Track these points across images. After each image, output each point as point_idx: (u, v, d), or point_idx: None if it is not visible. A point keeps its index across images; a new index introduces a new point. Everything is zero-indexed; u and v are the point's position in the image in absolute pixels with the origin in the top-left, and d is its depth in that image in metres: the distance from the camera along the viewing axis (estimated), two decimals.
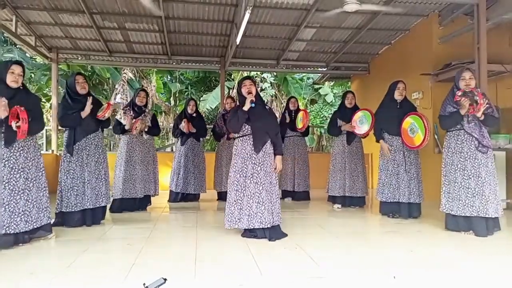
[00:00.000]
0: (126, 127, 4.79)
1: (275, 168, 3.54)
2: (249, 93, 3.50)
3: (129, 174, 4.86)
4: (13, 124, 3.00)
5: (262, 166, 3.45)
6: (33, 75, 12.19)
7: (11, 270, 2.61)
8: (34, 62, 12.07)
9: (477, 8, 5.01)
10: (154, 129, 5.13)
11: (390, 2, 5.71)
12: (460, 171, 3.64)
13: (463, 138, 3.65)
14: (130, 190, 4.86)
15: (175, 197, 5.89)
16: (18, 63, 3.23)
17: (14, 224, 3.08)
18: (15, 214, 3.09)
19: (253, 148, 3.46)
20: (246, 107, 3.46)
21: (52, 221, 3.67)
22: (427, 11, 6.21)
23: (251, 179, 3.43)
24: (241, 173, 3.47)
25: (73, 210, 3.86)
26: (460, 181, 3.65)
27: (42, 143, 9.61)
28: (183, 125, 5.71)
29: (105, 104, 4.09)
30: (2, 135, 3.07)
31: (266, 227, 3.40)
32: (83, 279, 2.42)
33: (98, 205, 4.01)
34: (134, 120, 4.82)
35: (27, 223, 3.16)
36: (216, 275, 2.50)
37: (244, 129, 3.52)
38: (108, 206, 4.31)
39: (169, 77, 15.72)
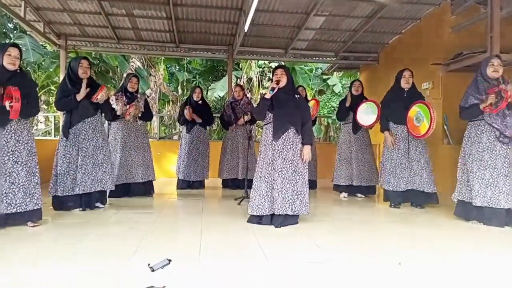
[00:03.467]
0: (118, 113, 4.74)
1: (302, 158, 3.47)
2: (277, 81, 3.47)
3: (124, 160, 4.83)
4: (7, 104, 3.01)
5: (280, 154, 3.42)
6: (43, 63, 12.25)
7: (17, 249, 2.64)
8: (46, 49, 12.10)
9: None
10: (147, 115, 5.09)
11: None
12: (477, 162, 3.61)
13: (483, 128, 3.60)
14: (126, 175, 4.84)
15: (182, 184, 5.91)
16: (15, 45, 3.22)
17: None
18: None
19: (272, 136, 3.45)
20: (267, 95, 3.46)
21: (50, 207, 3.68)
22: None
23: (272, 165, 3.43)
24: (264, 160, 3.48)
25: (69, 194, 3.88)
26: (475, 171, 3.61)
27: (51, 129, 9.69)
28: (186, 112, 5.70)
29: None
30: None
31: (278, 213, 3.38)
32: (88, 260, 2.44)
33: (93, 190, 3.99)
34: (128, 106, 4.77)
35: (9, 206, 3.13)
36: (221, 260, 2.50)
37: (267, 116, 3.53)
38: (108, 191, 4.30)
39: (177, 66, 15.71)
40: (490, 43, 4.92)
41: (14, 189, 3.16)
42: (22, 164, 3.22)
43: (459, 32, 5.92)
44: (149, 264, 2.08)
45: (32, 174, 3.32)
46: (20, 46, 3.30)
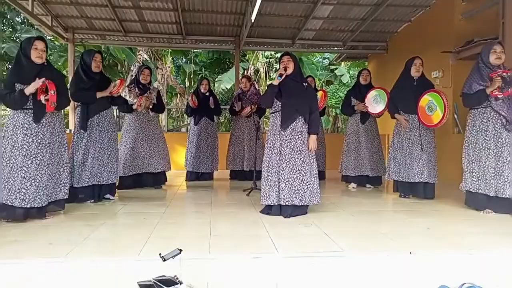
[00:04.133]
0: (131, 103, 4.75)
1: (308, 147, 3.46)
2: (284, 68, 3.43)
3: (136, 151, 4.85)
4: (42, 98, 3.05)
5: (289, 144, 3.39)
6: (51, 57, 12.33)
7: (30, 240, 2.67)
8: (53, 43, 12.15)
9: None
10: (159, 106, 5.09)
11: None
12: (485, 150, 3.54)
13: (489, 116, 3.53)
14: (139, 166, 4.87)
15: (190, 176, 5.93)
16: (41, 38, 3.24)
17: (39, 198, 3.14)
18: (40, 189, 3.14)
19: (280, 125, 3.42)
20: (275, 82, 3.43)
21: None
22: None
23: (280, 156, 3.41)
24: (271, 149, 3.46)
25: (84, 185, 3.92)
26: (484, 160, 3.55)
27: None
28: (190, 100, 5.67)
29: (118, 80, 4.09)
30: (31, 111, 3.13)
31: (285, 204, 3.38)
32: (100, 250, 2.47)
33: (110, 182, 4.06)
34: (139, 97, 4.78)
35: (48, 197, 3.22)
36: (230, 249, 2.51)
37: (275, 105, 3.49)
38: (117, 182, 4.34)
39: (183, 59, 15.70)
40: (502, 29, 4.84)
41: (51, 180, 3.25)
42: (55, 155, 3.29)
43: (470, 18, 5.80)
44: (160, 254, 2.10)
45: (65, 164, 3.40)
46: (45, 39, 3.33)
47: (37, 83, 3.04)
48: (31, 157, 3.11)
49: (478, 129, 3.60)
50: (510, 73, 3.43)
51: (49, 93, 3.03)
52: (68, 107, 8.41)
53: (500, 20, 4.85)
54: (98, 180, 3.97)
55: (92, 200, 4.02)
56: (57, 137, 3.31)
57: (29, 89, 3.05)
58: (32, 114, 3.13)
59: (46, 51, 3.25)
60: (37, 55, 3.17)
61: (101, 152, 3.98)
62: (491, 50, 3.55)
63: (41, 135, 3.17)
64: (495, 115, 3.50)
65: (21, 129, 3.10)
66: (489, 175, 3.53)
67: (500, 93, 3.40)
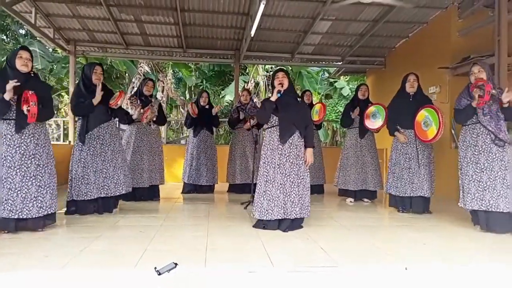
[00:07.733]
0: (135, 117, 4.78)
1: (305, 161, 3.51)
2: (281, 84, 3.50)
3: (136, 164, 4.85)
4: (25, 108, 3.06)
5: (288, 158, 3.44)
6: (54, 68, 12.43)
7: (26, 253, 2.67)
8: (57, 55, 12.25)
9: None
10: (161, 119, 5.12)
11: None
12: (473, 164, 3.57)
13: (478, 131, 3.57)
14: (137, 180, 4.85)
15: (188, 188, 5.92)
16: (25, 48, 3.28)
17: (27, 209, 3.13)
18: (27, 200, 3.13)
19: (279, 139, 3.46)
20: (273, 98, 3.48)
21: (64, 210, 3.83)
22: (446, 3, 6.06)
23: (278, 169, 3.43)
24: (270, 164, 3.47)
25: (84, 199, 3.90)
26: (471, 174, 3.57)
27: (59, 135, 9.80)
28: (190, 108, 5.69)
29: (117, 92, 4.12)
30: (14, 121, 3.13)
31: (288, 218, 3.40)
32: (96, 263, 2.47)
33: (118, 193, 4.05)
34: (143, 109, 4.80)
35: (41, 209, 3.20)
36: (226, 263, 2.51)
37: (272, 120, 3.54)
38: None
39: (184, 71, 15.80)
40: (498, 46, 4.90)
41: (42, 192, 3.23)
42: (44, 167, 3.28)
43: (467, 35, 5.89)
44: (155, 268, 2.10)
45: (53, 175, 3.38)
46: (31, 50, 3.36)
47: (10, 85, 3.01)
48: (15, 168, 3.11)
49: (468, 144, 3.64)
50: (480, 82, 3.47)
51: (30, 105, 3.02)
52: (68, 118, 8.50)
53: (496, 38, 4.91)
54: (104, 192, 3.96)
55: (97, 213, 3.98)
56: (43, 148, 3.29)
57: (7, 94, 3.03)
58: (14, 125, 3.13)
59: (31, 60, 3.29)
60: (22, 63, 3.19)
61: (105, 165, 3.97)
62: (470, 73, 3.66)
63: (24, 146, 3.16)
64: (484, 131, 3.54)
65: (4, 140, 3.11)
66: (474, 189, 3.53)
67: (483, 98, 3.43)
